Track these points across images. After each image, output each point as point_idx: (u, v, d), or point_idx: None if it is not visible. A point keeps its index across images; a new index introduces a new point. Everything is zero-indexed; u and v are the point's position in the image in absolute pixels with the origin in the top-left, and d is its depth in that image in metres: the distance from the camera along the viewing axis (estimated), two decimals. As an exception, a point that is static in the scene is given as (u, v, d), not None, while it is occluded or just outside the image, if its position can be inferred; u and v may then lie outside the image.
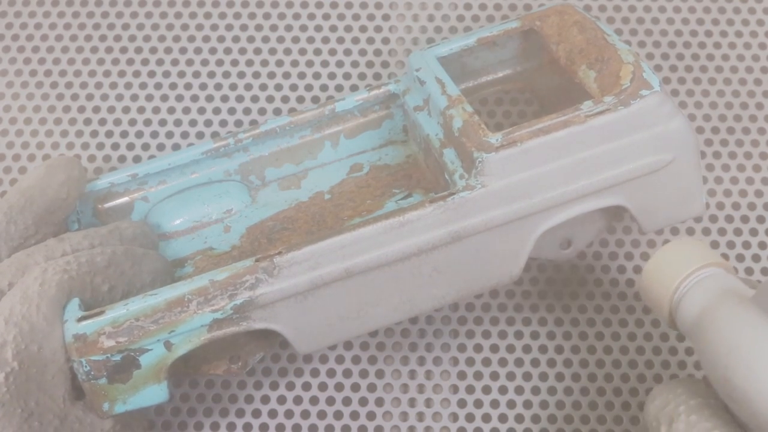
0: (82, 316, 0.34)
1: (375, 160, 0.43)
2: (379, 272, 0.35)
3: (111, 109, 0.47)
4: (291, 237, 0.40)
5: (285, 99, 0.47)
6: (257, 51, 0.48)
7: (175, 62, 0.47)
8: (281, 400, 0.42)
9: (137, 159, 0.46)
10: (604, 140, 0.36)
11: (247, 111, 0.47)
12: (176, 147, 0.46)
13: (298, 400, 0.43)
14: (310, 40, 0.48)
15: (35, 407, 0.33)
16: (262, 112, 0.47)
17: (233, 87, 0.47)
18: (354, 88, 0.47)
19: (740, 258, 0.44)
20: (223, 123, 0.47)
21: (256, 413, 0.42)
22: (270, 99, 0.47)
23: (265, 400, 0.42)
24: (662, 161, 0.36)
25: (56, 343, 0.34)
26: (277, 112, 0.47)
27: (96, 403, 0.35)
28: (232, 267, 0.35)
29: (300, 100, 0.47)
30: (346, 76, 0.47)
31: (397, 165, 0.42)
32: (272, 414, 0.42)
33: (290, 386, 0.43)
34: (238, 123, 0.46)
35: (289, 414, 0.42)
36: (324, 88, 0.47)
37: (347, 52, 0.48)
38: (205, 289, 0.35)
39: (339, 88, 0.47)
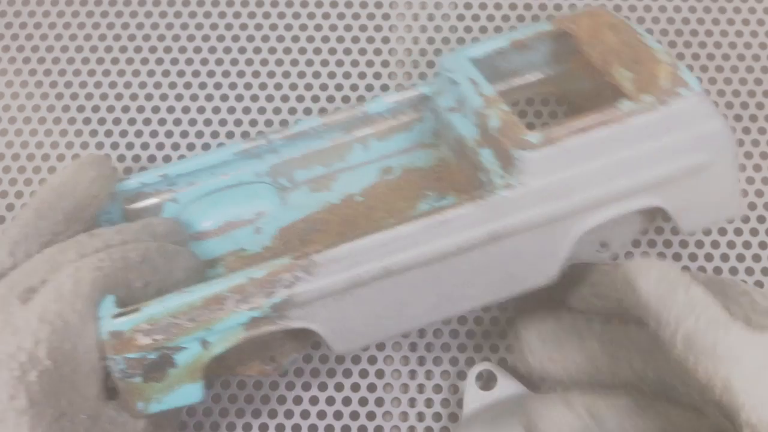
0: (118, 313, 0.34)
1: (406, 163, 0.42)
2: (417, 271, 0.35)
3: (110, 109, 0.47)
4: (324, 239, 0.40)
5: (285, 98, 0.47)
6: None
7: (175, 61, 0.47)
8: (297, 400, 0.42)
9: (136, 158, 0.46)
10: (643, 139, 0.36)
11: (261, 110, 0.47)
12: (176, 146, 0.46)
13: (297, 401, 0.42)
14: (310, 39, 0.48)
15: (67, 407, 0.32)
16: (271, 112, 0.47)
17: (233, 90, 0.47)
18: (354, 87, 0.47)
19: (740, 258, 0.44)
20: (229, 132, 0.47)
21: (289, 414, 0.42)
22: (270, 98, 0.47)
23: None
24: (700, 162, 0.36)
25: (90, 342, 0.33)
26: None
27: (130, 402, 0.34)
28: (270, 264, 0.34)
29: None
30: (346, 75, 0.47)
31: (429, 168, 0.42)
32: (304, 414, 0.42)
33: (290, 386, 0.43)
34: (237, 123, 0.46)
35: (288, 414, 0.42)
36: (324, 87, 0.47)
37: (347, 51, 0.48)
38: (242, 286, 0.34)
39: (339, 87, 0.47)
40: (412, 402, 0.42)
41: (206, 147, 0.46)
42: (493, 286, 0.36)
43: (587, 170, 0.35)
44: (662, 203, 0.36)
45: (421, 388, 0.43)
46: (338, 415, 0.42)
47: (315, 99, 0.47)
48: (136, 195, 0.41)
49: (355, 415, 0.42)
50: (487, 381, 0.41)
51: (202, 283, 0.34)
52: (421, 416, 0.42)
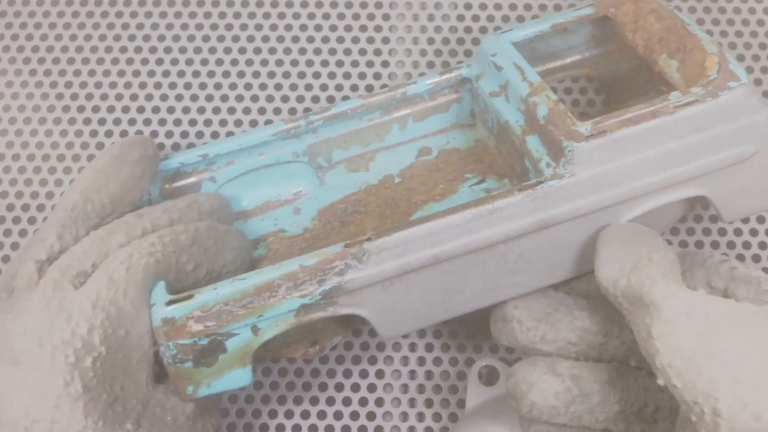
0: (170, 300, 0.34)
1: (443, 144, 0.43)
2: (466, 259, 0.35)
3: (110, 109, 0.47)
4: (364, 220, 0.40)
5: (285, 99, 0.47)
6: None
7: (175, 62, 0.47)
8: (297, 400, 0.42)
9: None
10: (691, 131, 0.36)
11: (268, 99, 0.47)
12: (176, 147, 0.46)
13: (298, 401, 0.43)
14: (310, 40, 0.48)
15: (120, 392, 0.33)
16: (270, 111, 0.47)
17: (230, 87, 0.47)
18: (354, 87, 0.47)
19: (740, 258, 0.44)
20: (229, 132, 0.47)
21: (289, 414, 0.42)
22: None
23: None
24: (746, 153, 0.36)
25: (143, 328, 0.34)
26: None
27: (180, 386, 0.35)
28: (322, 252, 0.35)
29: (315, 99, 0.47)
30: (346, 75, 0.47)
31: (467, 149, 0.42)
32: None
33: (290, 386, 0.43)
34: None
35: (288, 414, 0.42)
36: (324, 87, 0.47)
37: (347, 52, 0.48)
38: (294, 274, 0.34)
39: (339, 87, 0.47)
40: (412, 402, 0.43)
41: (199, 134, 0.46)
42: (539, 274, 0.37)
43: (636, 161, 0.36)
44: (707, 193, 0.37)
45: (421, 389, 0.43)
46: (338, 416, 0.42)
47: (315, 99, 0.47)
48: (174, 174, 0.41)
49: (355, 415, 0.42)
50: (489, 377, 0.41)
51: (254, 271, 0.35)
52: (421, 416, 0.42)
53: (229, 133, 0.46)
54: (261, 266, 0.36)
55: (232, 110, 0.47)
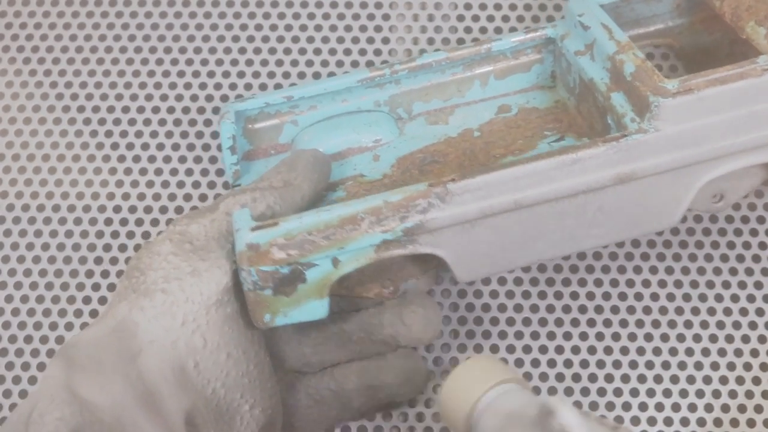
0: (256, 226, 0.35)
1: (523, 103, 0.43)
2: (546, 207, 0.36)
3: (110, 109, 0.47)
4: (443, 170, 0.41)
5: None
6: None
7: (175, 62, 0.47)
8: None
9: (137, 159, 0.46)
10: None
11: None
12: (176, 147, 0.46)
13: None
14: (310, 40, 0.48)
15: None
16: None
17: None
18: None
19: (740, 258, 0.44)
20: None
21: None
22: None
23: None
24: None
25: None
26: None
27: (257, 313, 0.35)
28: (406, 189, 0.35)
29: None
30: (339, 63, 0.47)
31: (546, 109, 0.43)
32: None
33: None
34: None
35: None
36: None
37: (347, 52, 0.48)
38: (378, 209, 0.35)
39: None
40: (412, 402, 0.42)
41: (206, 147, 0.46)
42: (617, 227, 0.37)
43: (720, 121, 0.36)
44: None
45: (421, 388, 0.43)
46: (338, 416, 0.42)
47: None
48: (258, 115, 0.42)
49: (355, 415, 0.42)
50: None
51: (339, 203, 0.35)
52: (420, 416, 0.42)
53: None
54: None
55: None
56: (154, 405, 0.32)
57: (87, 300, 0.44)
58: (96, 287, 0.44)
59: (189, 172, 0.46)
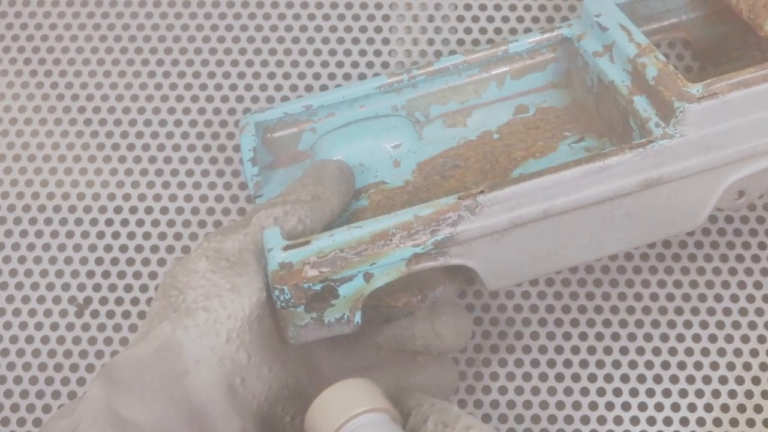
0: (288, 245, 0.35)
1: (540, 102, 0.43)
2: (574, 214, 0.36)
3: (111, 110, 0.47)
4: (464, 174, 0.41)
5: (285, 99, 0.47)
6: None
7: (175, 62, 0.48)
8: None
9: (137, 159, 0.46)
10: None
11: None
12: (176, 147, 0.46)
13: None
14: (310, 40, 0.48)
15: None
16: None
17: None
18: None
19: (740, 258, 0.44)
20: (230, 133, 0.47)
21: None
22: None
23: None
24: None
25: None
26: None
27: (289, 330, 0.35)
28: (436, 203, 0.36)
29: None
30: (346, 76, 0.47)
31: (563, 108, 0.43)
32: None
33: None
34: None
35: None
36: (324, 88, 0.47)
37: (347, 53, 0.48)
38: (408, 223, 0.35)
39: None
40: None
41: (206, 148, 0.46)
42: (644, 230, 0.38)
43: (745, 123, 0.37)
44: None
45: (421, 389, 0.43)
46: (339, 416, 0.42)
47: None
48: (276, 124, 0.42)
49: (355, 416, 0.42)
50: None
51: (370, 219, 0.36)
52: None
53: (230, 134, 0.46)
54: (364, 218, 0.37)
55: (232, 111, 0.47)
56: (201, 426, 0.32)
57: (88, 300, 0.44)
58: (97, 288, 0.44)
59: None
